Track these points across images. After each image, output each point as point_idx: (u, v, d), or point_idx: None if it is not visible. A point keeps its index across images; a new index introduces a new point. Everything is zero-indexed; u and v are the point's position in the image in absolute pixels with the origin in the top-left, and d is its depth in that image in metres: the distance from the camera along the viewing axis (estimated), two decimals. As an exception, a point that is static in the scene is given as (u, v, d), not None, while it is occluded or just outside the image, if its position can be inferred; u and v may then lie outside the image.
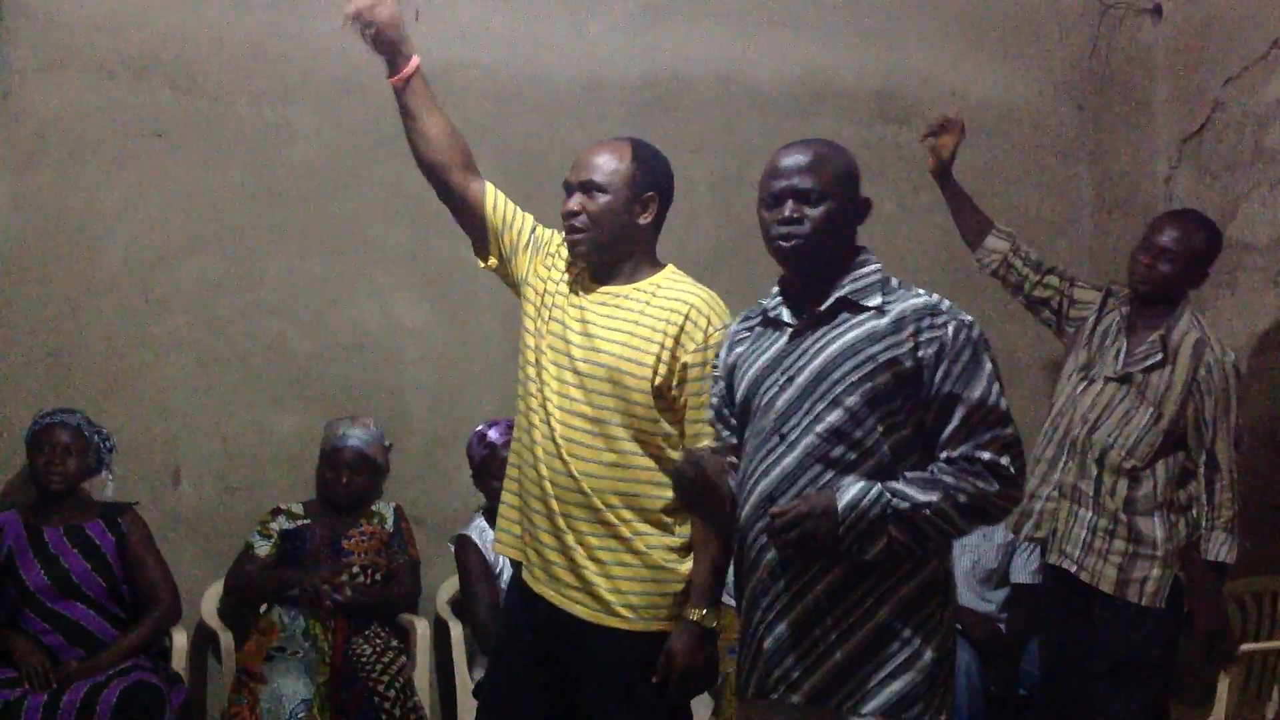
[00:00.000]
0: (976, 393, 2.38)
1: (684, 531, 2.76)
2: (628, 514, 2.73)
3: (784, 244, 2.47)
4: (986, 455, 2.37)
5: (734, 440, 2.60)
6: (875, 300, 2.45)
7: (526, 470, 2.82)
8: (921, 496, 2.34)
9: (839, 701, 2.40)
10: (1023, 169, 5.06)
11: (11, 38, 4.28)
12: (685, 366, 2.72)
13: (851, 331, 2.43)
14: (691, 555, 2.76)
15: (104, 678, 3.70)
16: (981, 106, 4.98)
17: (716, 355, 2.67)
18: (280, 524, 4.18)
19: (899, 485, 2.35)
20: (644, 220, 2.82)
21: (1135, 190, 4.95)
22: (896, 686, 2.39)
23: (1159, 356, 3.62)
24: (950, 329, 2.40)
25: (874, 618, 2.39)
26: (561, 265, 2.87)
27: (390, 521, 4.27)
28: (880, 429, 2.38)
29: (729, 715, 3.91)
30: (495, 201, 2.89)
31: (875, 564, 2.37)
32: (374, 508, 4.28)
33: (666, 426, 2.75)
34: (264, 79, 4.47)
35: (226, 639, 4.06)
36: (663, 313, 2.75)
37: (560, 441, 2.74)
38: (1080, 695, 3.73)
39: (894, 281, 2.50)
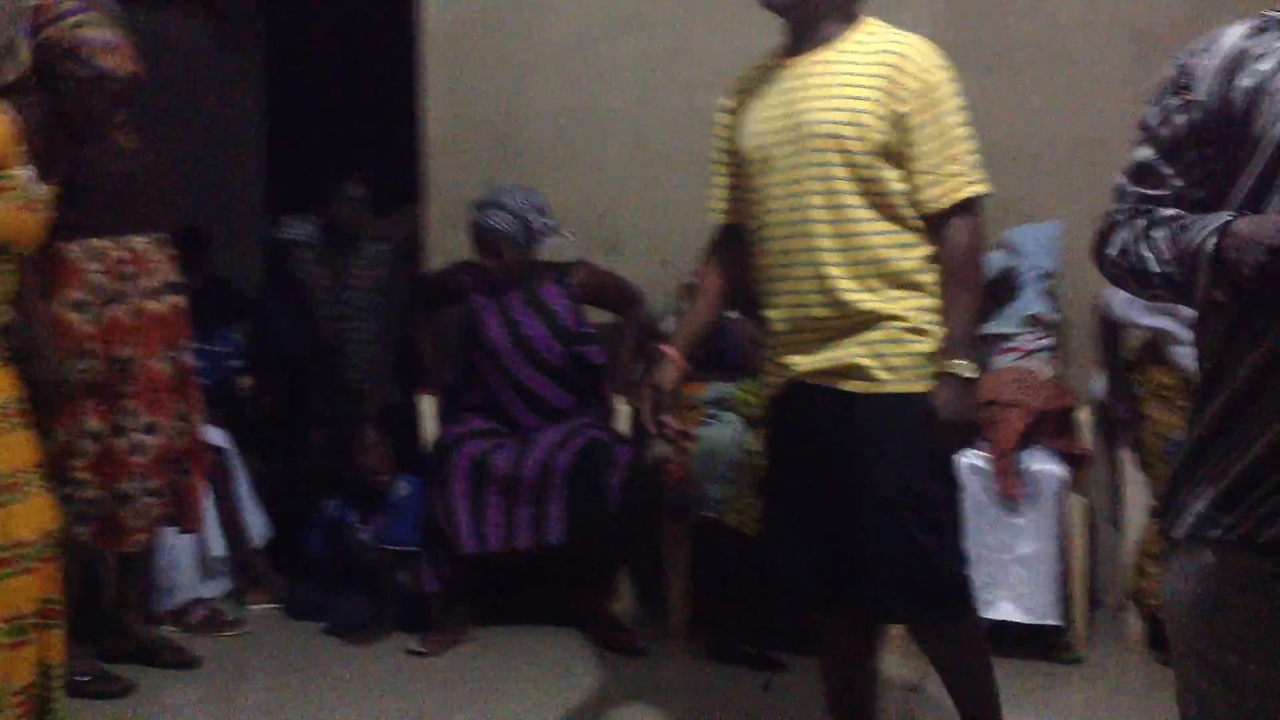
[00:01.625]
0: None
1: (936, 291, 2.66)
2: (875, 281, 2.64)
3: None
4: None
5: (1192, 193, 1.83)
6: None
7: (771, 257, 2.75)
8: None
9: None
10: None
11: None
12: (904, 116, 2.59)
13: None
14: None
15: (561, 436, 3.94)
16: None
17: (1186, 81, 1.81)
18: None
19: None
20: None
21: None
22: None
23: None
24: None
25: None
26: (736, 91, 2.82)
27: None
28: None
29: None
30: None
31: None
32: None
33: (899, 185, 2.63)
34: None
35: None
36: (872, 66, 2.61)
37: (795, 220, 2.67)
38: None
39: None
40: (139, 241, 3.41)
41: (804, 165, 2.65)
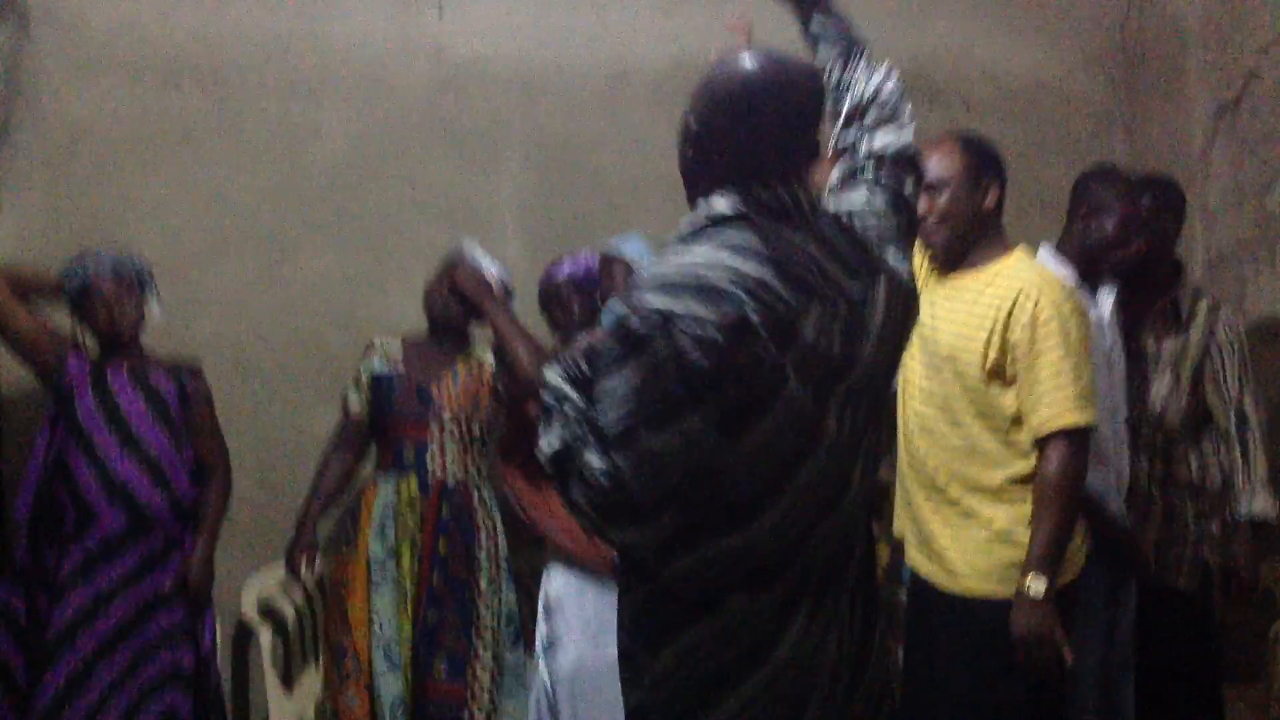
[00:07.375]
0: None
1: (1028, 502, 2.85)
2: (968, 492, 2.90)
3: None
4: None
5: None
6: None
7: (901, 450, 3.08)
8: None
9: None
10: (1056, 144, 4.99)
11: (40, 44, 4.33)
12: (1014, 345, 2.84)
13: None
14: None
15: (139, 694, 3.61)
16: (1013, 82, 4.93)
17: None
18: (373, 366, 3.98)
19: None
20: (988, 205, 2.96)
21: (1171, 164, 4.86)
22: None
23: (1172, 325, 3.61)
24: None
25: None
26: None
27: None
28: None
29: None
30: None
31: None
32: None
33: (1007, 407, 2.87)
34: (289, 78, 4.49)
35: (266, 636, 4.00)
36: (996, 296, 2.88)
37: (914, 425, 3.00)
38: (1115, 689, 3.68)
39: None
40: None
41: (929, 372, 2.97)
